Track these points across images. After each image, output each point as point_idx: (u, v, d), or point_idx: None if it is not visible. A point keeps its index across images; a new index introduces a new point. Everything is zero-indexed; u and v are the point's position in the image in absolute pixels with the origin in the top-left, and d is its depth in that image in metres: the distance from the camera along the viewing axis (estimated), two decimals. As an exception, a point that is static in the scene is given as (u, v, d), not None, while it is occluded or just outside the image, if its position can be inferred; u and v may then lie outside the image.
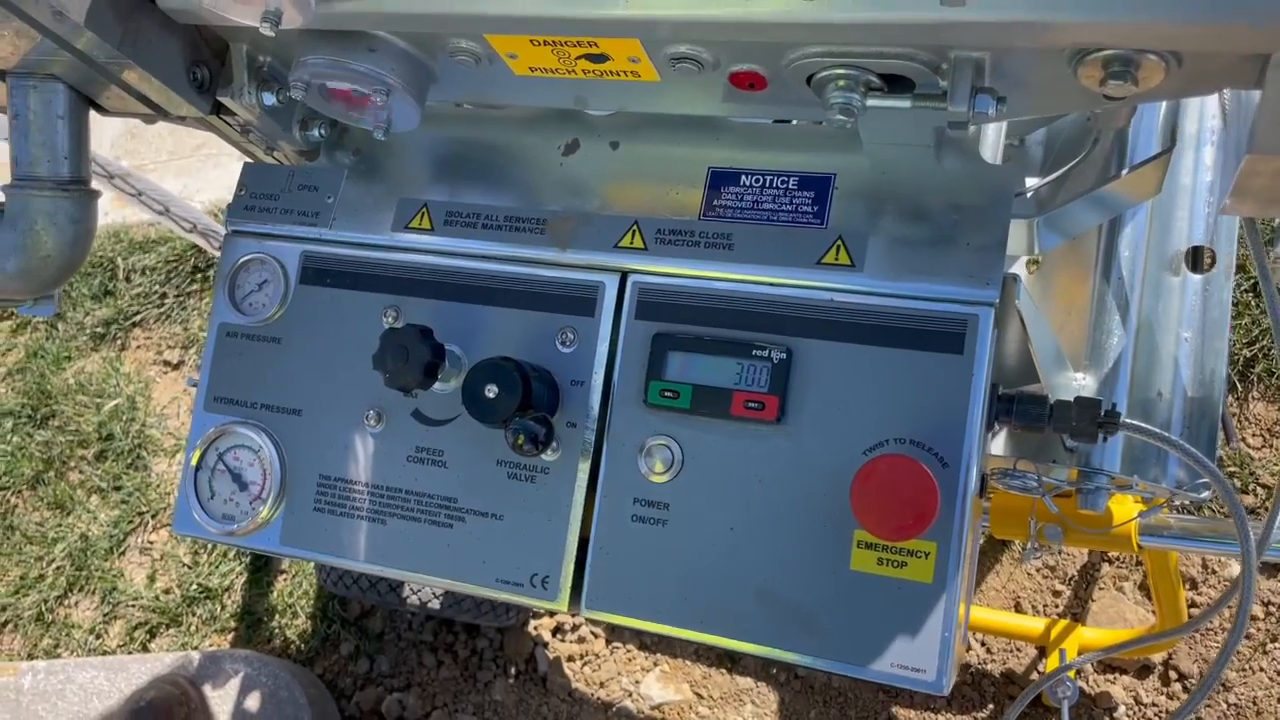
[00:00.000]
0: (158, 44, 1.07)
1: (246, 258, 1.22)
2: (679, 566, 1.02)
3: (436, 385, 1.08)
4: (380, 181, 1.21)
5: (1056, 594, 2.14)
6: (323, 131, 1.21)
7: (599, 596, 1.05)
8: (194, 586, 2.58)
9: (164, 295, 2.94)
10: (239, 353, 1.21)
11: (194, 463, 1.20)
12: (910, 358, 0.98)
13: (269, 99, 1.13)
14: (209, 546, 2.63)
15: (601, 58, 0.97)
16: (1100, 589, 2.13)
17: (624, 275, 1.09)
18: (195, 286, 2.93)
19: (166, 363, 2.91)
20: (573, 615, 1.15)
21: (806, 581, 0.98)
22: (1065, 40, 0.77)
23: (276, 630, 2.50)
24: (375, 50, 1.02)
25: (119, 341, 2.95)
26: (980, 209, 0.99)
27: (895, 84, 0.91)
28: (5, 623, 2.67)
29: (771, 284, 1.04)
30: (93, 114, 1.19)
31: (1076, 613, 2.12)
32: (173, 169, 3.11)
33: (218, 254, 2.64)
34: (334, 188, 1.21)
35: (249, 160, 1.29)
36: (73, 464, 2.81)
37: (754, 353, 1.02)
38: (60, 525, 2.73)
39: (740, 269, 1.05)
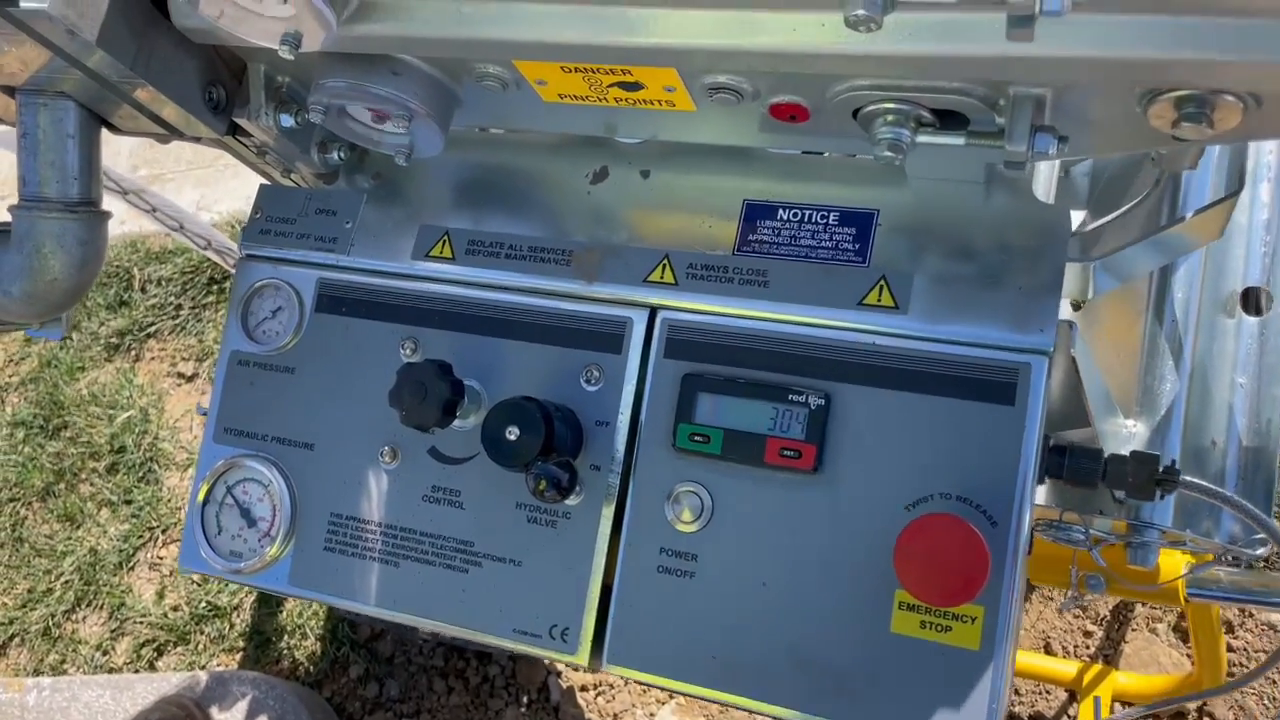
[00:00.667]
0: (172, 63, 1.02)
1: (261, 283, 1.18)
2: (707, 622, 0.97)
3: (455, 422, 1.03)
4: (400, 207, 1.16)
5: (1088, 634, 2.07)
6: (342, 154, 1.17)
7: (621, 651, 1.00)
8: (203, 604, 2.54)
9: (179, 307, 2.91)
10: (251, 382, 1.16)
11: (201, 497, 1.16)
12: (957, 407, 0.92)
13: (286, 121, 1.09)
14: (219, 564, 2.59)
15: (635, 86, 0.92)
16: (1133, 630, 2.06)
17: (653, 311, 1.04)
18: (211, 298, 2.89)
19: (181, 375, 2.87)
20: (593, 670, 1.09)
21: (843, 643, 0.93)
22: (1139, 79, 0.72)
23: (285, 651, 2.45)
24: (399, 74, 0.97)
25: (133, 353, 2.92)
26: (1033, 250, 0.94)
27: (947, 119, 0.85)
28: (12, 636, 2.63)
29: (809, 325, 0.98)
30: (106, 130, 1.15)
31: (1108, 654, 2.05)
32: (192, 179, 3.08)
33: (233, 270, 2.60)
34: (353, 212, 1.16)
35: (265, 182, 1.25)
36: (84, 476, 2.77)
37: (790, 397, 0.97)
38: (70, 538, 2.70)
39: (776, 308, 1.00)
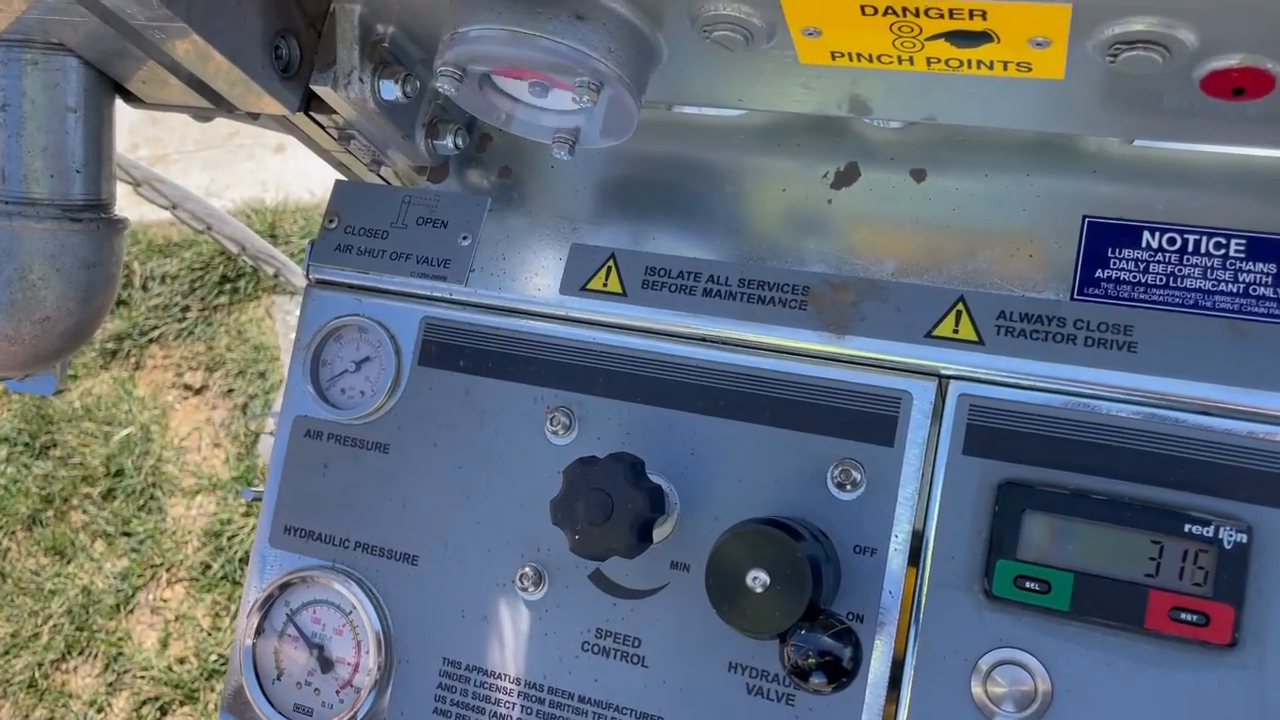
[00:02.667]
0: (228, 2, 0.68)
1: (338, 322, 0.83)
2: None
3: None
4: (541, 217, 0.82)
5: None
6: (459, 141, 0.83)
7: None
8: (214, 657, 2.22)
9: (186, 308, 2.58)
10: (324, 463, 0.82)
11: (253, 628, 0.81)
12: None
13: (389, 90, 0.75)
14: (232, 609, 2.26)
15: (980, 37, 0.58)
16: None
17: (943, 381, 0.70)
18: (223, 299, 2.56)
19: (187, 387, 2.54)
20: None
21: None
22: None
23: (310, 714, 2.12)
24: (585, 18, 0.62)
25: (133, 360, 2.59)
26: None
27: None
28: (-8, 688, 2.29)
29: (1209, 412, 0.64)
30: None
31: None
32: (199, 160, 2.73)
33: (272, 277, 2.23)
34: (473, 224, 0.82)
35: (341, 178, 0.90)
36: (75, 503, 2.44)
37: (1188, 528, 0.63)
38: (59, 575, 2.37)
39: (1150, 383, 0.66)
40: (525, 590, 0.76)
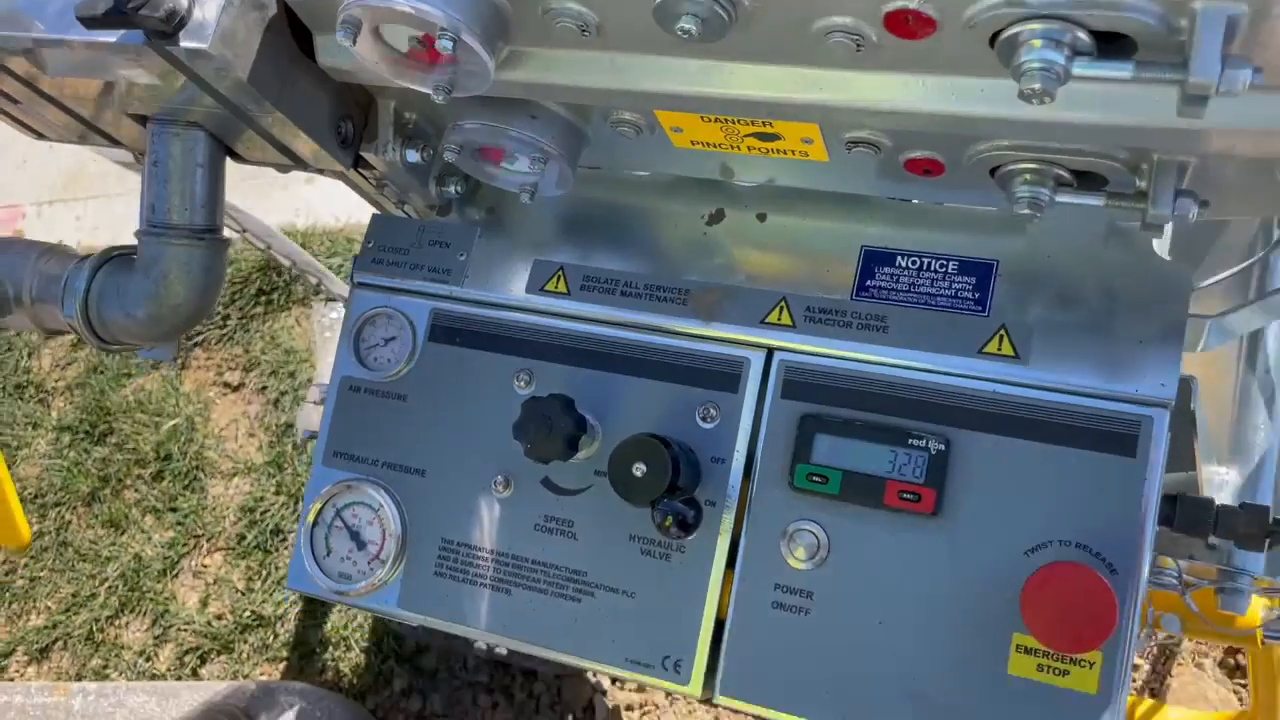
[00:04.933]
0: (309, 98, 1.05)
1: (373, 312, 1.20)
2: (821, 658, 0.99)
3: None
4: (513, 241, 1.19)
5: (1135, 669, 2.09)
6: (458, 188, 1.20)
7: (734, 683, 1.02)
8: (247, 613, 2.56)
9: (227, 317, 2.93)
10: (362, 408, 1.19)
11: (311, 519, 1.18)
12: (1078, 457, 0.95)
13: (413, 156, 1.11)
14: (263, 573, 2.61)
15: (773, 137, 0.95)
16: (1180, 665, 2.08)
17: (770, 352, 1.06)
18: (259, 309, 2.92)
19: (226, 384, 2.90)
20: (704, 701, 1.12)
21: (959, 684, 0.95)
22: (1298, 154, 0.74)
23: (329, 663, 2.47)
24: (536, 118, 1.00)
25: (179, 361, 2.94)
26: (1154, 305, 0.96)
27: (1084, 179, 0.88)
28: (55, 640, 2.65)
29: (929, 371, 1.01)
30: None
31: (1155, 688, 2.08)
32: (241, 190, 3.10)
33: (314, 284, 2.60)
34: (467, 245, 1.19)
35: (376, 212, 1.28)
36: (129, 482, 2.80)
37: (911, 442, 0.99)
38: (114, 544, 2.72)
39: (896, 353, 1.02)
40: (498, 491, 1.12)
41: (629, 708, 2.29)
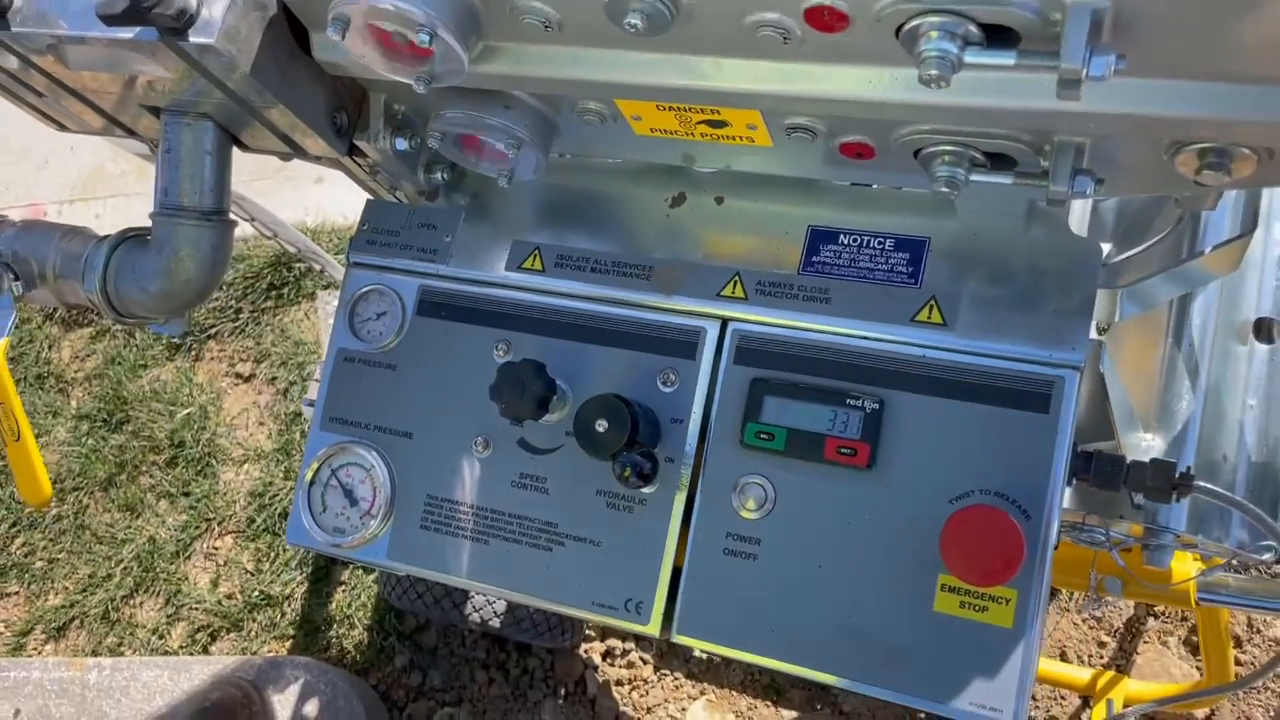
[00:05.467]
0: (307, 91, 1.16)
1: (366, 289, 1.31)
2: (768, 599, 1.09)
3: (545, 416, 1.15)
4: (495, 223, 1.30)
5: (1102, 645, 2.18)
6: (444, 175, 1.30)
7: (690, 624, 1.12)
8: (256, 593, 2.67)
9: (239, 310, 3.05)
10: (356, 377, 1.30)
11: (308, 478, 1.29)
12: (997, 414, 1.04)
13: (401, 144, 1.22)
14: (271, 555, 2.72)
15: (721, 124, 1.05)
16: (1145, 643, 2.17)
17: (724, 322, 1.16)
18: (269, 303, 3.03)
19: (238, 375, 3.01)
20: (662, 639, 1.22)
21: (891, 620, 1.05)
22: (1169, 133, 0.84)
23: (334, 640, 2.58)
24: (510, 107, 1.11)
25: (193, 352, 3.06)
26: (1068, 277, 1.06)
27: (998, 161, 0.98)
28: (73, 619, 2.76)
29: (866, 337, 1.11)
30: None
31: (1121, 665, 2.16)
32: (253, 189, 3.22)
33: (319, 270, 2.71)
34: (452, 227, 1.29)
35: (371, 198, 1.38)
36: (144, 469, 2.91)
37: (848, 401, 1.09)
38: (129, 527, 2.83)
39: (837, 322, 1.12)
40: (478, 451, 1.23)
41: (619, 683, 2.38)
